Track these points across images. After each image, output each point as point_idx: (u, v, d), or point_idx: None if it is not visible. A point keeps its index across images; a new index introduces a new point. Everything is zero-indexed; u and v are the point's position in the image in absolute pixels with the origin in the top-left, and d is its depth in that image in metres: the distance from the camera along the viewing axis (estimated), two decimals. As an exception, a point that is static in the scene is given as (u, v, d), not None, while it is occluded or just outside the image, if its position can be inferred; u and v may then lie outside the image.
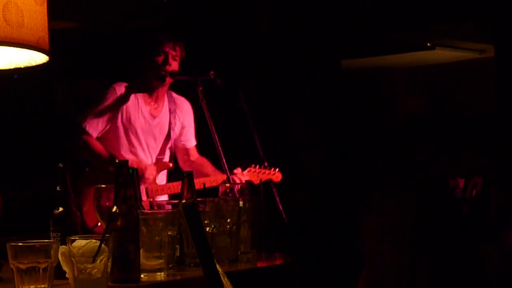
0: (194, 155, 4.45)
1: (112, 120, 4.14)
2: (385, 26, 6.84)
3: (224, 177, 4.12)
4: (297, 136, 6.86)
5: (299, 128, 6.91)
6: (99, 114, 4.11)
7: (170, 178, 4.34)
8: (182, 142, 4.40)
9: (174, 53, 4.12)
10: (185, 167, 4.37)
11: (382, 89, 8.62)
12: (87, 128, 4.10)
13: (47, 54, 2.20)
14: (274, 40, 6.81)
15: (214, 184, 4.08)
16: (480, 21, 6.56)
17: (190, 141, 4.44)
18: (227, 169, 4.05)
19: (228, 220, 2.56)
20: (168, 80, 4.13)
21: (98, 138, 4.15)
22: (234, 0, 6.48)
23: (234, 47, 6.63)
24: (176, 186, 4.12)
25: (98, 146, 4.11)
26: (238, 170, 4.21)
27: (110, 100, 4.12)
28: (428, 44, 7.40)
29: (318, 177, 6.70)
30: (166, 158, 4.34)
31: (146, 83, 4.19)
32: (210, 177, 4.17)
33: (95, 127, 4.11)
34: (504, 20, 6.20)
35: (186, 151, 4.42)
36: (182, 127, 4.37)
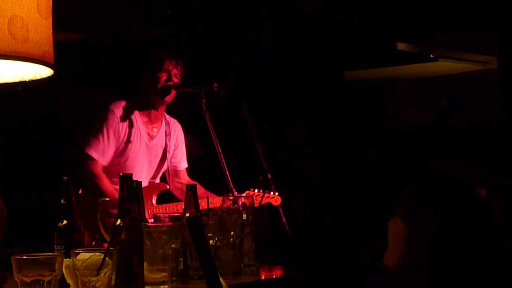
0: (185, 178, 4.40)
1: (116, 144, 4.09)
2: (388, 38, 6.85)
3: (220, 199, 4.11)
4: (299, 147, 6.86)
5: (300, 139, 6.91)
6: (106, 142, 4.04)
7: (159, 200, 4.30)
8: (174, 164, 4.35)
9: (176, 71, 4.11)
10: (175, 190, 4.34)
11: (385, 100, 8.62)
12: (93, 155, 4.02)
13: (52, 68, 2.21)
14: (277, 52, 6.82)
15: (216, 205, 4.07)
16: (483, 33, 6.57)
17: (182, 163, 4.40)
18: (230, 180, 4.05)
19: (232, 233, 2.57)
20: (171, 94, 4.11)
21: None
22: (237, 12, 6.49)
23: (237, 58, 6.65)
24: (173, 207, 4.11)
25: (106, 185, 4.02)
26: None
27: (112, 125, 4.05)
28: (431, 56, 7.40)
29: (317, 187, 6.70)
30: (157, 181, 4.32)
31: (146, 100, 4.17)
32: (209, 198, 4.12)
33: (102, 154, 4.04)
34: (507, 32, 6.20)
35: (177, 173, 4.37)
36: (175, 149, 4.34)
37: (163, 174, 4.35)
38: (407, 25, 6.53)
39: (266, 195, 4.23)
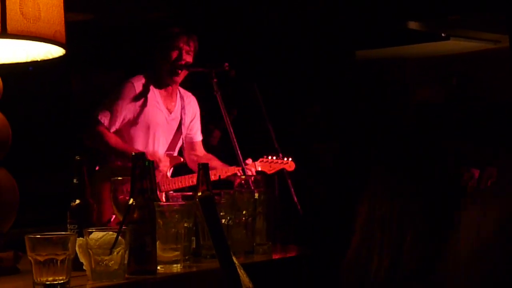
0: (201, 150, 4.43)
1: (130, 115, 4.11)
2: (399, 17, 6.82)
3: (236, 168, 4.13)
4: (311, 127, 6.85)
5: (312, 119, 6.90)
6: (117, 110, 4.07)
7: (175, 173, 4.31)
8: (190, 136, 4.38)
9: (188, 48, 4.11)
10: (191, 163, 4.36)
11: (396, 79, 8.59)
12: (102, 120, 4.06)
13: (63, 47, 2.21)
14: (288, 31, 6.80)
15: (228, 173, 4.09)
16: (495, 11, 6.53)
17: (197, 135, 4.43)
18: (241, 160, 4.05)
19: (244, 212, 2.57)
20: (182, 73, 4.13)
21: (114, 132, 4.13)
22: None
23: (248, 38, 6.63)
24: (187, 179, 4.13)
25: (114, 139, 4.08)
26: (249, 161, 4.19)
27: (128, 96, 4.08)
28: (443, 35, 7.37)
29: (332, 169, 6.70)
30: (175, 154, 4.34)
31: (159, 77, 4.18)
32: (222, 168, 4.15)
33: (112, 121, 4.07)
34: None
35: (193, 145, 4.41)
36: (190, 121, 4.36)
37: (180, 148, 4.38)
38: (418, 4, 6.49)
39: (279, 161, 4.25)
